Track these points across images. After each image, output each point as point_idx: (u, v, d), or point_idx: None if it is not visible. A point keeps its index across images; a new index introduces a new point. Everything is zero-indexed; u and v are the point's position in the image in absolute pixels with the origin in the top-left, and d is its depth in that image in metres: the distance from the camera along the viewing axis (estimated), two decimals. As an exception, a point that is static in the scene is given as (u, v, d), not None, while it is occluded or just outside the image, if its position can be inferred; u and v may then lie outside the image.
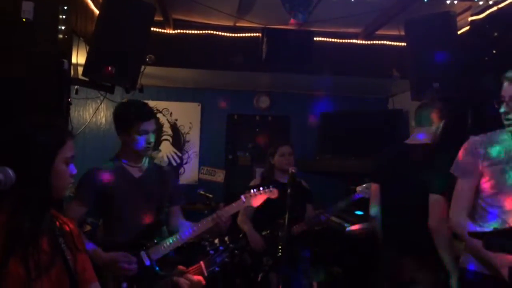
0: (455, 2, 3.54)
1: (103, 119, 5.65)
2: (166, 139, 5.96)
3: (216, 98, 5.92)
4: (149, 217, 2.49)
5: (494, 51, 3.18)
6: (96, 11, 3.69)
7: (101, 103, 4.00)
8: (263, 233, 3.50)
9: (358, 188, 3.51)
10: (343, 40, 4.77)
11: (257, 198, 2.71)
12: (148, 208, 2.51)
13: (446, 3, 3.54)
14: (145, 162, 2.60)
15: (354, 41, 4.79)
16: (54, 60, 2.98)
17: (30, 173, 1.43)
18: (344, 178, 5.34)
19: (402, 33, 3.74)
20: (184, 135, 5.96)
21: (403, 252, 2.69)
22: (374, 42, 4.76)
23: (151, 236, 2.47)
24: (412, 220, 2.62)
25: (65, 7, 3.06)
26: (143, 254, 2.40)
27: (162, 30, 4.53)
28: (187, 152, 5.96)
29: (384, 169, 2.92)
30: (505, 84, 1.98)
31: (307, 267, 3.64)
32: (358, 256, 4.08)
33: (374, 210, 2.94)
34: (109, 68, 3.12)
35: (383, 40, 4.73)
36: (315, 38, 4.46)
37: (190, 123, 5.95)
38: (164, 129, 5.93)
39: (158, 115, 5.89)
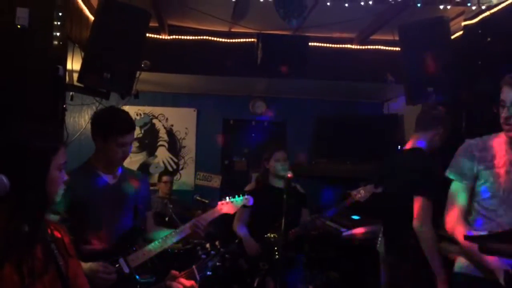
0: (449, 7, 3.57)
1: (99, 125, 5.63)
2: (162, 145, 5.95)
3: (211, 104, 5.93)
4: (126, 224, 2.44)
5: (487, 55, 3.21)
6: (91, 17, 3.69)
7: (96, 109, 3.98)
8: (270, 235, 3.48)
9: (353, 192, 3.51)
10: (338, 45, 4.80)
11: (231, 206, 2.77)
12: (124, 215, 2.45)
13: (440, 8, 3.57)
14: (118, 167, 2.54)
15: (349, 46, 4.82)
16: (49, 66, 2.98)
17: (25, 180, 1.42)
18: (340, 183, 5.35)
19: (397, 38, 3.76)
20: (180, 141, 5.96)
21: (402, 257, 2.69)
22: (369, 47, 4.78)
23: (128, 243, 2.41)
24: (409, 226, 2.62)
25: (60, 14, 3.06)
26: (121, 261, 2.32)
27: (158, 36, 4.54)
28: (183, 157, 5.96)
29: (386, 177, 2.94)
30: (505, 88, 1.96)
31: (303, 271, 3.63)
32: (355, 260, 4.09)
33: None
34: (104, 75, 3.12)
35: (378, 45, 4.75)
36: (310, 43, 4.49)
37: (186, 128, 5.95)
38: (160, 134, 5.93)
39: (154, 120, 5.90)
